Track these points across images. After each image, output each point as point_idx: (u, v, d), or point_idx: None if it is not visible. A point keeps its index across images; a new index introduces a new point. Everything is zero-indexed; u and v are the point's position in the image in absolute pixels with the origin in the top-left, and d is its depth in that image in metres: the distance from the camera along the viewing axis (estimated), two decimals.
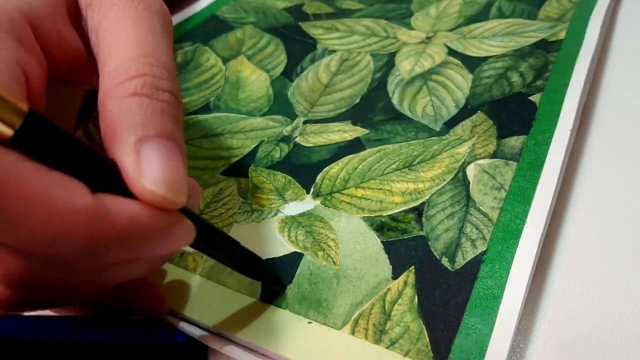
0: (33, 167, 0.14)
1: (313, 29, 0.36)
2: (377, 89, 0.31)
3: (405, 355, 0.19)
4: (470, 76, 0.30)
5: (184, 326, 0.21)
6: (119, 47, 0.18)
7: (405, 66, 0.32)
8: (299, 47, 0.35)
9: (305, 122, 0.29)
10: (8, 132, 0.13)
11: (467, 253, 0.22)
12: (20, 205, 0.13)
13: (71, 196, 0.14)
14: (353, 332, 0.20)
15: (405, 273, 0.21)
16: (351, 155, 0.27)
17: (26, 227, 0.13)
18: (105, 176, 0.15)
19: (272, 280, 0.22)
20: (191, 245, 0.18)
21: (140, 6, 0.19)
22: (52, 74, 0.20)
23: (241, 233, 0.24)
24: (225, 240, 0.20)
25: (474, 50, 0.32)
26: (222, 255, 0.20)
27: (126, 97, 0.16)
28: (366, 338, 0.20)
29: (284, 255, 0.23)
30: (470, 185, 0.24)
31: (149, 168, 0.15)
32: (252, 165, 0.27)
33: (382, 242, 0.23)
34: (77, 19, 0.21)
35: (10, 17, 0.18)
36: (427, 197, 0.24)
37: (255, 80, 0.33)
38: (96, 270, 0.17)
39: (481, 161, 0.25)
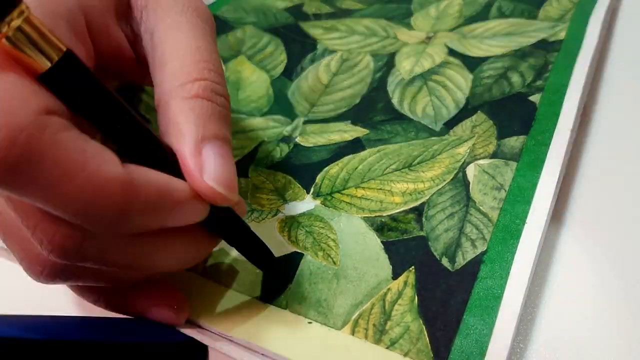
0: (73, 137, 0.15)
1: (313, 29, 0.36)
2: (377, 89, 0.31)
3: (405, 355, 0.19)
4: (470, 76, 0.30)
5: (184, 326, 0.21)
6: (178, 50, 0.19)
7: (405, 66, 0.32)
8: (299, 47, 0.35)
9: (305, 122, 0.29)
10: (46, 63, 0.14)
11: (467, 253, 0.22)
12: (59, 172, 0.14)
13: (106, 167, 0.15)
14: (353, 332, 0.20)
15: (405, 273, 0.21)
16: (351, 156, 0.27)
17: (63, 193, 0.14)
18: (124, 126, 0.16)
19: (276, 273, 0.22)
20: (207, 224, 0.18)
21: (194, 13, 0.20)
22: (96, 67, 0.21)
23: None
24: (244, 228, 0.21)
25: (474, 50, 0.32)
26: (236, 240, 0.21)
27: (190, 98, 0.18)
28: (366, 338, 0.20)
29: (284, 255, 0.23)
30: (470, 185, 0.24)
31: (209, 166, 0.17)
32: (252, 165, 0.27)
33: (382, 242, 0.23)
34: (124, 18, 0.22)
35: (68, 6, 0.19)
36: (427, 197, 0.24)
37: (255, 81, 0.33)
38: (131, 246, 0.18)
39: (481, 161, 0.25)
